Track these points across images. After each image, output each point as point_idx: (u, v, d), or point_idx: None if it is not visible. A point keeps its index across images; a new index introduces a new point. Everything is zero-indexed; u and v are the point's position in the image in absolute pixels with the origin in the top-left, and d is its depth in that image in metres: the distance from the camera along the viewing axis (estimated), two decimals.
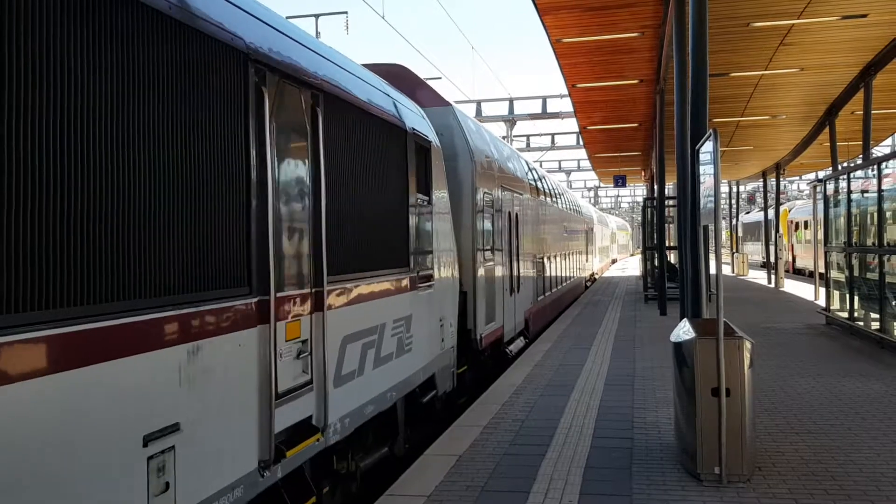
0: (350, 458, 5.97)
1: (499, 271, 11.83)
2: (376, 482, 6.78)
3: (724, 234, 45.36)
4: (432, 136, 8.36)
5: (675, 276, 19.47)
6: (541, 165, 41.79)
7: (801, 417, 7.73)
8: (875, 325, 12.91)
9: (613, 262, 60.29)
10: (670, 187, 31.86)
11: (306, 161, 5.02)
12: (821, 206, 17.69)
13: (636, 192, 76.97)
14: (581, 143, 32.98)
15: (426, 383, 7.86)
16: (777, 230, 29.15)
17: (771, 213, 32.98)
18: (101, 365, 3.06)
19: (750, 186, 53.82)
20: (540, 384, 9.79)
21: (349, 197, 5.68)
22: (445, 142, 9.78)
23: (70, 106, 2.96)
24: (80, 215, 2.99)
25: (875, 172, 12.62)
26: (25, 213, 2.74)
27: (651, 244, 24.13)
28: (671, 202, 21.74)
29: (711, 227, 7.42)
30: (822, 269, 18.13)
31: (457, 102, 17.52)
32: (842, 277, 14.93)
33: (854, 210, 14.19)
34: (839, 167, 18.73)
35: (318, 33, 19.76)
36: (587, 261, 32.11)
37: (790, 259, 38.44)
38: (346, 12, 19.51)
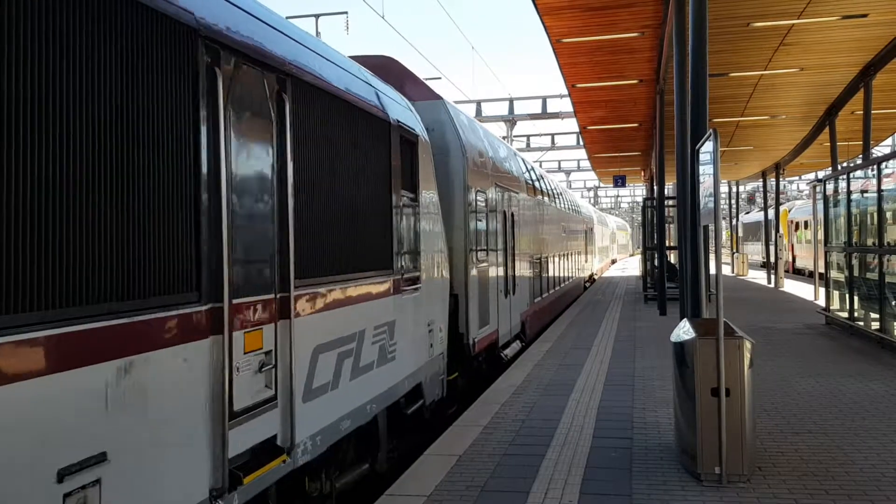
0: (325, 478, 5.52)
1: (493, 272, 11.43)
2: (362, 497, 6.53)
3: (724, 235, 45.39)
4: (420, 130, 7.86)
5: (675, 276, 19.48)
6: (541, 165, 41.83)
7: (801, 417, 7.73)
8: (875, 326, 12.92)
9: (613, 262, 60.33)
10: (670, 187, 31.89)
11: (270, 152, 4.53)
12: (821, 206, 17.68)
13: (636, 192, 77.05)
14: (581, 143, 33.05)
15: (412, 393, 7.42)
16: (777, 230, 29.19)
17: (771, 213, 33.03)
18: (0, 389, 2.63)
19: (750, 186, 53.86)
20: (540, 384, 9.78)
21: (322, 193, 5.20)
22: (436, 137, 9.37)
23: None
24: None
25: (875, 172, 12.63)
26: None
27: (651, 244, 24.15)
28: (671, 202, 21.74)
29: (711, 227, 7.42)
30: (821, 269, 18.13)
31: (457, 102, 17.55)
32: (842, 277, 14.94)
33: (854, 210, 14.19)
34: (839, 167, 18.74)
35: (318, 33, 19.78)
36: (586, 261, 32.00)
37: (790, 259, 38.47)
38: (346, 12, 19.58)
